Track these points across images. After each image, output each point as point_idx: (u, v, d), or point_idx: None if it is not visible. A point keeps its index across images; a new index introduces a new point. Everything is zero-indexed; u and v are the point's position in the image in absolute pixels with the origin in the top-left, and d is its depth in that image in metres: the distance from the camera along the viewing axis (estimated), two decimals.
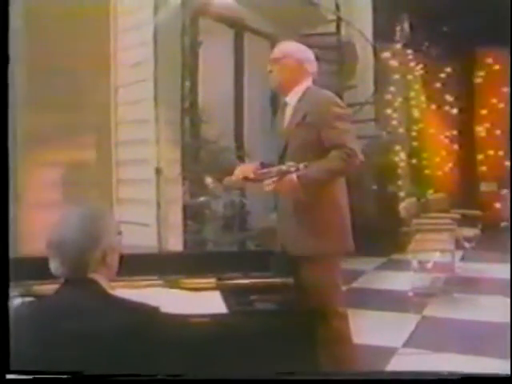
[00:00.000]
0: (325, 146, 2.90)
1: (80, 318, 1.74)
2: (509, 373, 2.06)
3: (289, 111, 3.09)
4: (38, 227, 3.85)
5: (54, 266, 1.82)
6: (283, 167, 2.86)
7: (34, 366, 1.71)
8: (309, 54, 3.16)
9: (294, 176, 2.83)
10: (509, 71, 7.95)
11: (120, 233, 1.98)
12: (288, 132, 3.03)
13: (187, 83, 4.83)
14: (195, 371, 2.06)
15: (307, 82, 3.09)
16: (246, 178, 3.11)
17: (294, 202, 2.96)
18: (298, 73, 3.08)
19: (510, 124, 8.50)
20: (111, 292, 1.88)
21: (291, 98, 3.09)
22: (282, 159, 3.01)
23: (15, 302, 2.26)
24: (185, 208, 4.72)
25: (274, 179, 2.86)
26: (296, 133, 2.98)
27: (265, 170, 2.93)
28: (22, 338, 1.75)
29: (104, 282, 1.85)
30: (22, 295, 2.41)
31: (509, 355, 2.74)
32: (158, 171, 4.55)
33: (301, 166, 2.80)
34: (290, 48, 3.15)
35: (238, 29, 6.35)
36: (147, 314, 1.84)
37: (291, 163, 2.84)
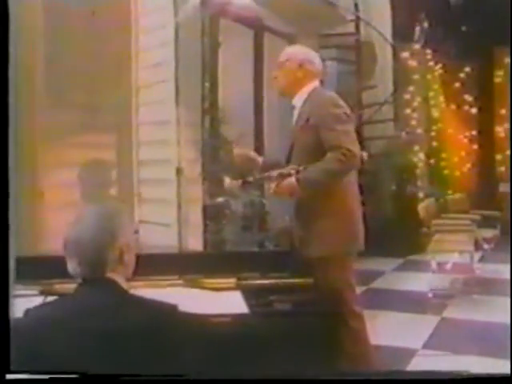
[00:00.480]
0: (325, 147, 2.92)
1: (99, 317, 1.74)
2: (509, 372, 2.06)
3: (295, 114, 3.12)
4: (59, 226, 3.88)
5: (71, 266, 1.82)
6: (283, 170, 2.93)
7: (52, 366, 1.72)
8: (311, 56, 3.17)
9: (293, 179, 2.88)
10: None
11: (137, 231, 1.99)
12: (294, 134, 3.08)
13: (207, 84, 4.85)
14: (214, 370, 2.07)
15: (313, 84, 3.11)
16: (245, 182, 3.15)
17: (304, 203, 3.00)
18: (301, 75, 3.10)
19: (511, 124, 8.46)
20: (129, 291, 1.89)
21: (297, 101, 3.11)
22: (287, 161, 3.06)
23: (36, 302, 2.28)
24: (205, 208, 4.74)
25: (275, 183, 2.92)
26: (300, 135, 3.03)
27: (265, 174, 3.01)
28: (39, 338, 1.75)
29: (122, 282, 1.85)
30: (45, 294, 2.45)
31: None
32: (179, 171, 4.57)
33: (300, 168, 2.87)
34: (290, 51, 3.19)
35: (258, 29, 6.36)
36: (166, 312, 1.84)
37: (292, 166, 2.92)
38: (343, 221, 3.01)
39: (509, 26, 4.23)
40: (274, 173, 2.93)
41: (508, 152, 9.55)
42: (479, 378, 1.94)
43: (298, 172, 2.87)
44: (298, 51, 3.20)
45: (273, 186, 2.96)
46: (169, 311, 1.85)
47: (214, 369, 2.11)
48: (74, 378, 1.71)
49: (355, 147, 2.92)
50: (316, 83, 3.12)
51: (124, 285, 1.86)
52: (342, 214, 3.02)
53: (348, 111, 3.03)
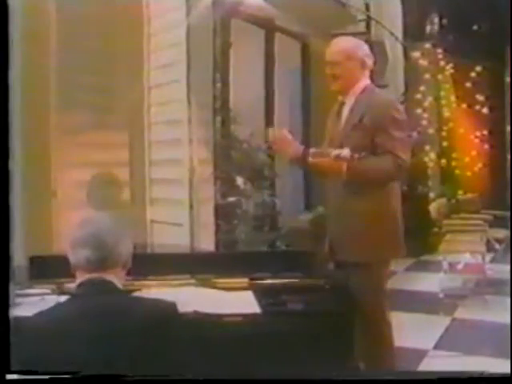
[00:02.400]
0: (377, 151, 2.86)
1: (98, 318, 1.78)
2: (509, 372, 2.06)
3: (345, 111, 3.01)
4: (70, 225, 3.91)
5: (82, 255, 1.86)
6: (339, 152, 2.83)
7: (53, 366, 1.74)
8: (368, 51, 3.05)
9: (343, 164, 2.81)
10: None
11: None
12: (344, 133, 2.96)
13: (218, 84, 4.85)
14: (224, 369, 2.08)
15: (366, 79, 3.01)
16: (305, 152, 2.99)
17: (348, 206, 2.92)
18: (360, 72, 2.98)
19: (511, 124, 8.41)
20: (126, 292, 1.97)
21: (350, 98, 2.99)
22: None
23: (49, 300, 2.30)
24: (217, 208, 4.75)
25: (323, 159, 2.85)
26: (352, 134, 2.91)
27: (319, 150, 2.91)
28: (42, 339, 1.79)
29: (119, 284, 1.91)
30: (57, 292, 2.47)
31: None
32: (191, 171, 4.58)
33: (356, 155, 2.80)
34: (349, 47, 3.01)
35: (269, 29, 6.37)
36: (165, 310, 1.88)
37: (347, 150, 2.82)
38: (388, 228, 2.97)
39: None
40: (332, 152, 2.84)
41: None
42: (479, 378, 1.94)
43: (352, 158, 2.79)
44: (357, 47, 3.02)
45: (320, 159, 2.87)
46: (168, 308, 1.89)
47: (225, 368, 2.12)
48: (74, 378, 1.73)
49: (408, 156, 2.88)
50: (368, 79, 3.02)
51: (121, 286, 1.91)
52: (387, 221, 2.96)
53: (405, 116, 2.98)
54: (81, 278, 1.88)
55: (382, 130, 2.84)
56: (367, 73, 3.02)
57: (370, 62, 3.02)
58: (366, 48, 3.05)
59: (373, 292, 2.90)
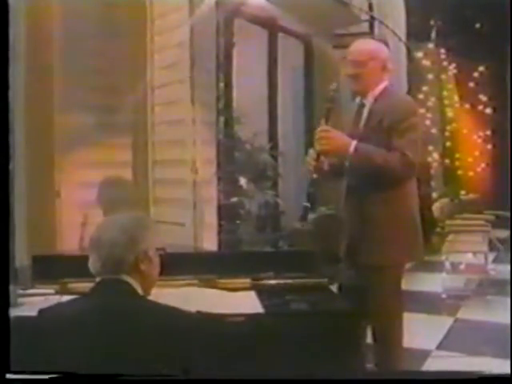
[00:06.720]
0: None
1: (108, 316, 1.79)
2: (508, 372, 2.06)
3: (365, 112, 3.01)
4: (75, 225, 3.92)
5: (91, 261, 1.89)
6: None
7: (60, 366, 1.74)
8: (389, 54, 3.07)
9: (353, 142, 2.84)
10: None
11: (162, 249, 2.04)
12: (364, 134, 2.96)
13: (221, 84, 4.87)
14: (226, 370, 2.08)
15: (386, 82, 3.01)
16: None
17: (366, 210, 2.92)
18: (381, 74, 2.98)
19: (511, 123, 8.40)
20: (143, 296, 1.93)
21: (369, 100, 3.00)
22: None
23: (52, 300, 2.31)
24: (220, 208, 4.75)
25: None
26: (371, 137, 2.91)
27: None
28: (52, 337, 1.80)
29: (136, 286, 1.90)
30: (60, 292, 2.47)
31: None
32: (194, 171, 4.58)
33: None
34: (372, 49, 3.02)
35: (272, 29, 6.37)
36: (180, 319, 1.88)
37: None
38: (408, 230, 2.96)
39: None
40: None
41: None
42: (478, 378, 1.93)
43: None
44: (380, 49, 3.03)
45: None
46: (183, 317, 1.89)
47: (227, 368, 2.12)
48: (74, 378, 1.73)
49: (415, 156, 2.87)
50: (387, 81, 3.02)
51: (138, 289, 1.89)
52: (407, 224, 2.96)
53: (420, 119, 3.01)
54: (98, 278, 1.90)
55: (396, 130, 2.86)
56: (387, 76, 3.02)
57: (390, 65, 3.03)
58: (387, 51, 3.07)
59: (390, 294, 2.92)
